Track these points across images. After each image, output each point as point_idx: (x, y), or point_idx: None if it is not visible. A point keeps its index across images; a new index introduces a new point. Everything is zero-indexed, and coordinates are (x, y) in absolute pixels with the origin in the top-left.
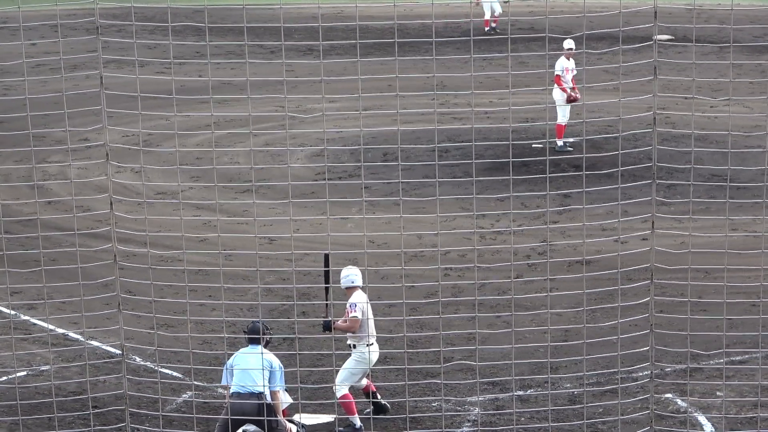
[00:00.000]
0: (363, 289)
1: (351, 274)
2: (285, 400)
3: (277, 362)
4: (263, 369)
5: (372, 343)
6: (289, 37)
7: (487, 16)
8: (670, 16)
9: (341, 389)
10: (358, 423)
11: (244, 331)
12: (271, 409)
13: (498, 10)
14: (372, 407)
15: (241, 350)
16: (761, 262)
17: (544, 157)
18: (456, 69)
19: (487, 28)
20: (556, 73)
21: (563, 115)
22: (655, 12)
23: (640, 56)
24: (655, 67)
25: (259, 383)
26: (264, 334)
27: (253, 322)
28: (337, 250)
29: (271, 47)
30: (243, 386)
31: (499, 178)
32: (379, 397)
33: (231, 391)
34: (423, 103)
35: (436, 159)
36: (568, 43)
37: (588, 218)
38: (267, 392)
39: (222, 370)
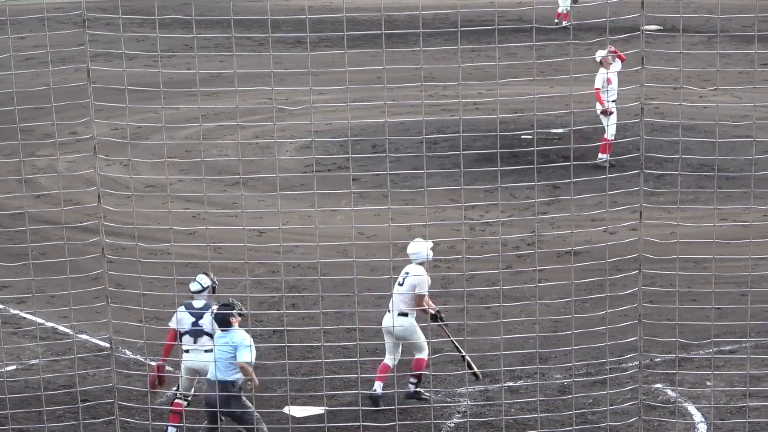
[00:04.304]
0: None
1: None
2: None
3: (248, 340)
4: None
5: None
6: (277, 29)
7: (561, 9)
8: (659, 6)
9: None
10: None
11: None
12: (230, 396)
13: (564, 7)
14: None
15: (218, 334)
16: (750, 252)
17: (532, 147)
18: (445, 60)
19: (557, 20)
20: (595, 87)
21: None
22: (642, 2)
23: (628, 46)
24: (643, 57)
25: (221, 371)
26: (228, 310)
27: (221, 304)
28: (326, 242)
29: (260, 39)
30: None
31: (488, 169)
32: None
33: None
34: (412, 95)
35: (425, 150)
36: (599, 54)
37: (576, 209)
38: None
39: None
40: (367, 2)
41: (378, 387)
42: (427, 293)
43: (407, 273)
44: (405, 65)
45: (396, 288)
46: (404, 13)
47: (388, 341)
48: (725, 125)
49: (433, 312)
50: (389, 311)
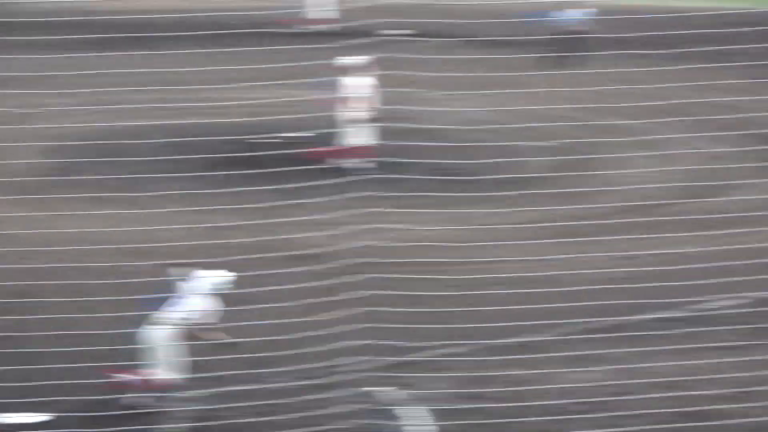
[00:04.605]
0: None
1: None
2: None
3: None
4: None
5: None
6: (16, 32)
7: (313, 14)
8: (406, 10)
9: None
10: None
11: None
12: None
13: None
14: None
15: None
16: (479, 255)
17: (266, 152)
18: (185, 64)
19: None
20: (344, 95)
21: (358, 135)
22: (382, 8)
23: (370, 51)
24: (378, 62)
25: None
26: None
27: None
28: (59, 248)
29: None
30: None
31: (225, 173)
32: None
33: None
34: (152, 99)
35: (165, 155)
36: (342, 60)
37: (309, 212)
38: None
39: None
40: (123, 5)
41: (134, 396)
42: (203, 320)
43: (183, 295)
44: (145, 69)
45: (167, 303)
46: (153, 17)
47: (149, 353)
48: (462, 129)
49: (212, 340)
50: (153, 324)
